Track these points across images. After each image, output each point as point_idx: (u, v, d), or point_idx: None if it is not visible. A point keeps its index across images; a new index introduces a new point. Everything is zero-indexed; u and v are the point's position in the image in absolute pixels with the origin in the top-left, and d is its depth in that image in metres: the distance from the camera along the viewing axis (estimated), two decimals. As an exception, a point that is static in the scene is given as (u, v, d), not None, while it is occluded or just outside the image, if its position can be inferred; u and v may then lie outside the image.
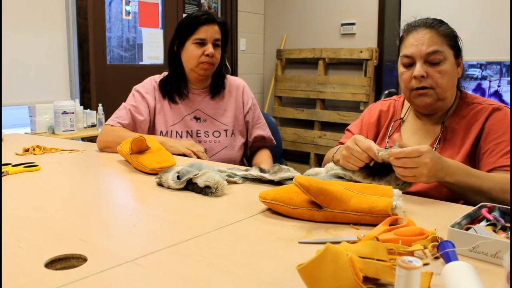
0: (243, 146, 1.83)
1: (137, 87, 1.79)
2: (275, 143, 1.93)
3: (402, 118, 1.39)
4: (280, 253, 0.74)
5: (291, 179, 1.14)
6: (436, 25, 1.25)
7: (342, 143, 1.48)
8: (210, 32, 1.69)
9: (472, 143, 1.22)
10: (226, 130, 1.77)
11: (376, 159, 1.08)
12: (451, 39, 1.25)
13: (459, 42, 1.27)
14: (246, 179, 1.21)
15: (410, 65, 1.25)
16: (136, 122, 1.72)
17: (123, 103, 1.77)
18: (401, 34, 1.31)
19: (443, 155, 1.24)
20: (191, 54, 1.71)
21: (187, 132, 1.75)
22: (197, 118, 1.77)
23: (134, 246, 0.76)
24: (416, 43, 1.22)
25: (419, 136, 1.32)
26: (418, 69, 1.21)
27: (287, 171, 1.16)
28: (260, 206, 0.98)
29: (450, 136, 1.27)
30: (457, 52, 1.26)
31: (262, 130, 1.86)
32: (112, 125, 1.69)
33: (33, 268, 0.67)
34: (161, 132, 1.74)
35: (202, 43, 1.69)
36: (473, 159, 1.23)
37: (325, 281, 0.57)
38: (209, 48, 1.68)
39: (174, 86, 1.76)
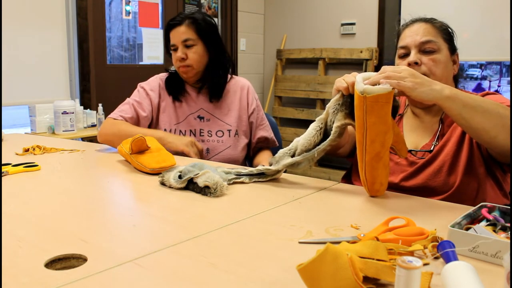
0: (246, 147, 1.82)
1: (143, 84, 1.81)
2: (278, 144, 1.93)
3: (401, 114, 1.39)
4: (280, 253, 0.74)
5: (294, 164, 1.14)
6: (432, 20, 1.28)
7: None
8: (176, 36, 1.71)
9: None
10: (229, 130, 1.77)
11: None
12: (446, 33, 1.27)
13: (454, 40, 1.29)
14: (252, 176, 1.21)
15: (405, 55, 1.27)
16: (139, 117, 1.73)
17: (127, 98, 1.79)
18: (398, 30, 1.33)
19: (444, 151, 1.23)
20: (172, 60, 1.77)
21: (191, 131, 1.75)
22: (200, 117, 1.77)
23: (134, 246, 0.76)
24: (411, 34, 1.26)
25: (417, 134, 1.32)
26: (412, 56, 1.24)
27: (288, 157, 1.16)
28: (260, 206, 0.98)
29: (449, 131, 1.26)
30: (452, 47, 1.28)
31: (266, 131, 1.85)
32: (115, 119, 1.70)
33: (33, 268, 0.67)
34: (164, 130, 1.75)
35: (175, 49, 1.73)
36: (476, 148, 1.21)
37: (325, 281, 0.57)
38: (178, 53, 1.71)
39: (175, 87, 1.79)
